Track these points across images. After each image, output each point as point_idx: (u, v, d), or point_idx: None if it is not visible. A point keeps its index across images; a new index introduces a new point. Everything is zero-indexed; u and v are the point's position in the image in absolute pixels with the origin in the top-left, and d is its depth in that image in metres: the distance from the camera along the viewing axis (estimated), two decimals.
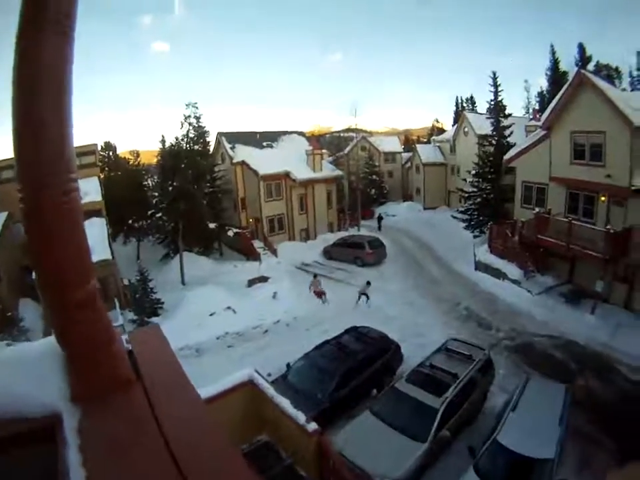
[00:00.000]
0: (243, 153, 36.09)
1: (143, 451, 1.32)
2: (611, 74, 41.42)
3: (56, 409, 1.48)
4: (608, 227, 18.54)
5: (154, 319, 22.49)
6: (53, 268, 1.46)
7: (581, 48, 45.09)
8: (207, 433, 1.45)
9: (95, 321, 1.56)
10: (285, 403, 8.81)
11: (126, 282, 24.46)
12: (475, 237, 31.00)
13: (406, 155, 59.62)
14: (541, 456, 9.36)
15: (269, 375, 13.69)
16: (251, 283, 26.74)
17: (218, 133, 38.48)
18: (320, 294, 22.68)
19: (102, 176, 36.18)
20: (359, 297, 21.76)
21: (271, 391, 9.20)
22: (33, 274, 19.76)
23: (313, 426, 8.34)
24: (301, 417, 8.48)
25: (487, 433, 10.87)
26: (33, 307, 24.10)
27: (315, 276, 23.99)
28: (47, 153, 1.36)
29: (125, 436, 1.38)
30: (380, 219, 41.44)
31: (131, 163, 43.54)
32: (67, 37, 1.36)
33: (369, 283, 22.12)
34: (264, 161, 35.09)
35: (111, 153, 42.23)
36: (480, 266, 25.39)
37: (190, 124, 32.69)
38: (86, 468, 1.23)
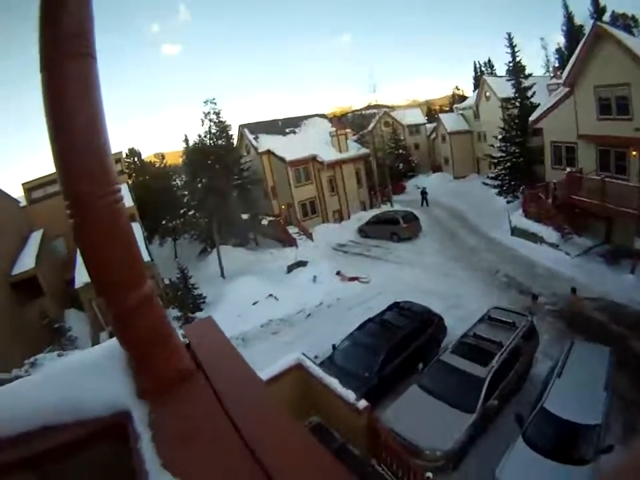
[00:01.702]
0: (267, 142, 36.27)
1: (213, 435, 1.38)
2: (628, 23, 39.89)
3: (124, 407, 1.55)
4: None
5: (197, 314, 22.87)
6: (109, 274, 1.53)
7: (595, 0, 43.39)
8: (273, 413, 1.51)
9: (153, 320, 1.63)
10: (333, 384, 8.94)
11: (167, 281, 24.91)
12: (508, 202, 30.35)
13: (430, 126, 58.57)
14: (587, 422, 9.31)
15: (316, 357, 13.86)
16: (290, 268, 26.92)
17: (240, 126, 38.69)
18: (353, 279, 22.97)
19: (130, 182, 36.88)
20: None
21: (319, 372, 9.34)
22: (75, 284, 20.47)
23: (362, 404, 8.45)
24: (350, 396, 8.60)
25: (534, 400, 10.85)
26: (78, 317, 24.88)
27: (338, 273, 24.24)
28: (90, 169, 1.42)
29: (194, 423, 1.44)
30: (424, 193, 39.81)
31: (157, 165, 44.05)
32: (90, 58, 1.40)
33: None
34: (289, 148, 35.11)
35: (136, 159, 42.80)
36: (516, 231, 24.97)
37: (211, 120, 32.74)
38: (160, 456, 1.29)
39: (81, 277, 21.24)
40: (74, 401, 1.58)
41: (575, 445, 9.26)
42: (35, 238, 28.89)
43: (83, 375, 1.71)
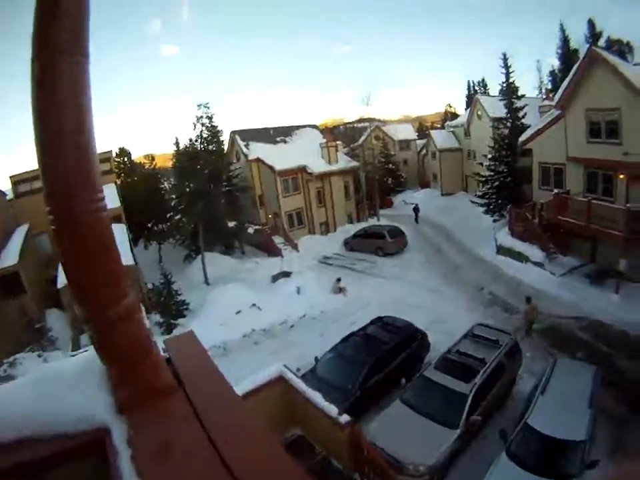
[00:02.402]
0: (257, 149, 36.22)
1: (190, 451, 1.34)
2: (622, 49, 40.53)
3: (103, 422, 1.51)
4: (628, 205, 18.20)
5: (180, 320, 22.74)
6: (89, 285, 1.49)
7: (591, 24, 44.35)
8: (251, 431, 1.48)
9: (133, 335, 1.59)
10: (315, 397, 8.88)
11: (150, 285, 24.70)
12: (494, 220, 30.68)
13: (420, 142, 59.28)
14: (572, 438, 9.37)
15: (298, 369, 13.71)
16: (275, 278, 26.89)
17: (231, 132, 38.61)
18: (340, 289, 22.88)
19: (118, 182, 36.64)
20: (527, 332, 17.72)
21: (301, 385, 9.28)
22: (58, 284, 20.24)
23: (344, 418, 8.39)
24: (332, 410, 8.55)
25: (518, 417, 10.90)
26: (59, 317, 24.62)
27: (339, 279, 23.89)
28: (73, 174, 1.37)
29: (172, 439, 1.41)
30: (416, 209, 39.58)
31: (146, 167, 43.84)
32: (82, 58, 1.36)
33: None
34: (279, 157, 35.13)
35: (125, 159, 42.54)
36: (501, 250, 25.18)
37: (203, 124, 32.81)
38: (138, 474, 1.25)
39: (64, 276, 21.00)
40: (51, 413, 1.53)
41: (560, 461, 9.30)
42: (20, 233, 28.56)
43: (61, 387, 1.65)
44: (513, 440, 9.88)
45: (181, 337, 2.15)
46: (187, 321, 22.38)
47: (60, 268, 21.64)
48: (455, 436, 10.41)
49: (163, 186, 41.82)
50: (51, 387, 1.66)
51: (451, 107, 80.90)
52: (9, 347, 20.25)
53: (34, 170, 30.32)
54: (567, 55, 45.37)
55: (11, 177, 31.45)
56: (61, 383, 1.67)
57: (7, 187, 31.85)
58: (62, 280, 21.11)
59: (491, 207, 31.87)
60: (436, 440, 10.28)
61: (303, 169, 35.39)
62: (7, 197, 31.50)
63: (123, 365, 1.59)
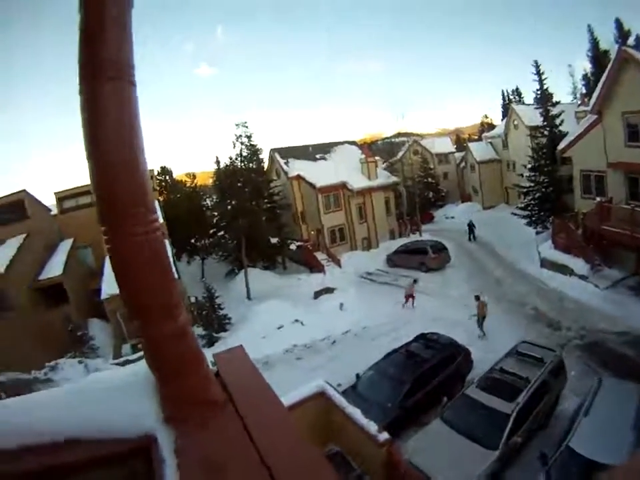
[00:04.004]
0: (297, 167, 36.54)
1: (239, 466, 1.36)
2: None
3: (150, 430, 1.54)
4: None
5: (222, 334, 22.98)
6: (143, 301, 1.54)
7: (619, 23, 43.07)
8: (300, 447, 1.49)
9: (186, 348, 1.64)
10: (355, 413, 8.87)
11: (192, 299, 25.10)
12: (537, 233, 29.99)
13: (459, 155, 58.71)
14: (614, 461, 8.94)
15: (339, 385, 13.65)
16: (317, 294, 26.90)
17: (271, 150, 39.02)
18: (409, 297, 22.44)
19: (161, 199, 37.53)
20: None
21: (341, 401, 9.27)
22: (102, 295, 20.79)
23: (383, 435, 8.35)
24: (372, 427, 8.51)
25: (559, 439, 10.46)
26: (102, 327, 25.34)
27: (415, 281, 23.69)
28: (127, 194, 1.43)
29: (220, 453, 1.43)
30: (471, 225, 36.75)
31: (187, 185, 44.69)
32: (129, 84, 1.42)
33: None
34: (319, 173, 35.35)
35: (167, 177, 43.52)
36: (545, 263, 24.55)
37: (242, 143, 33.23)
38: None
39: (108, 288, 21.58)
40: (100, 417, 1.59)
41: None
42: (64, 246, 29.73)
43: (112, 394, 1.72)
44: (553, 462, 9.49)
45: (231, 352, 2.17)
46: (229, 335, 22.60)
47: (104, 280, 22.40)
48: (494, 457, 10.09)
49: (204, 203, 42.51)
50: (102, 393, 1.74)
51: (487, 117, 79.86)
52: (51, 352, 20.88)
53: (77, 187, 31.54)
54: (598, 57, 44.16)
55: (55, 194, 32.61)
56: (112, 390, 1.75)
57: (51, 202, 33.00)
58: (106, 291, 21.73)
59: (533, 218, 31.25)
60: (474, 461, 9.98)
61: (343, 185, 35.45)
62: (52, 213, 32.68)
63: (174, 377, 1.64)
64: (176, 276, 23.36)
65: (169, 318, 1.57)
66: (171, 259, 24.76)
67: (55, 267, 26.52)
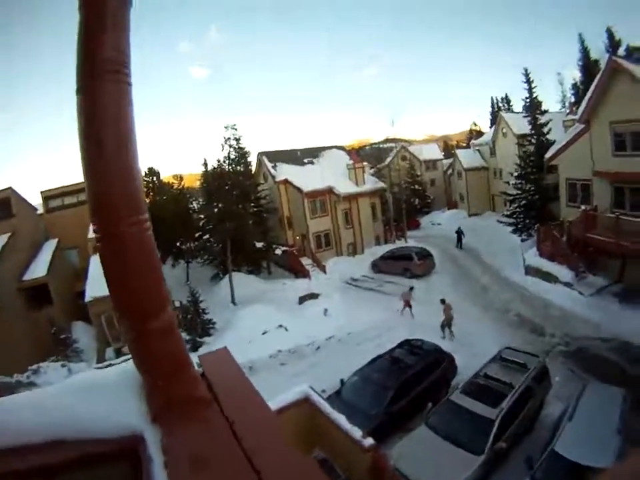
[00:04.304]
0: (285, 171, 36.61)
1: (225, 463, 1.37)
2: None
3: (137, 429, 1.55)
4: None
5: (206, 339, 22.91)
6: (132, 299, 1.55)
7: (609, 33, 43.19)
8: (287, 447, 1.48)
9: (171, 348, 1.65)
10: (340, 419, 8.84)
11: (177, 304, 25.01)
12: (522, 240, 30.36)
13: (446, 162, 59.10)
14: (599, 464, 8.97)
15: (323, 391, 13.64)
16: (302, 300, 26.90)
17: (259, 153, 39.10)
18: (407, 303, 22.18)
19: (147, 200, 37.31)
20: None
21: (326, 407, 9.24)
22: (86, 297, 20.63)
23: (368, 441, 8.32)
24: (356, 433, 8.49)
25: (544, 443, 10.58)
26: (86, 329, 25.14)
27: (412, 288, 23.34)
28: (118, 194, 1.44)
29: (207, 451, 1.43)
30: (459, 233, 36.53)
31: (174, 187, 44.47)
32: (126, 85, 1.44)
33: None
34: (306, 178, 35.39)
35: (154, 178, 43.27)
36: (529, 270, 24.81)
37: (230, 145, 33.25)
38: None
39: (92, 290, 21.43)
40: (87, 418, 1.59)
41: None
42: (49, 247, 29.47)
43: (98, 394, 1.72)
44: (539, 466, 9.58)
45: (216, 353, 2.19)
46: (213, 340, 22.52)
47: (88, 283, 22.21)
48: (479, 462, 10.13)
49: (191, 206, 42.36)
50: (88, 393, 1.72)
51: (475, 125, 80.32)
52: (35, 355, 20.67)
53: (64, 186, 31.39)
54: (588, 66, 44.41)
55: (42, 192, 32.50)
56: (98, 390, 1.74)
57: (37, 201, 32.74)
58: (90, 294, 21.53)
59: (519, 226, 31.54)
60: (459, 466, 10.03)
61: (330, 190, 35.53)
62: (38, 212, 32.40)
63: (160, 375, 1.64)
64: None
65: (155, 316, 1.57)
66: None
67: (39, 268, 26.28)
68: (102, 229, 1.46)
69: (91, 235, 25.43)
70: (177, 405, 1.62)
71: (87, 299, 21.77)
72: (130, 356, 1.69)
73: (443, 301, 19.57)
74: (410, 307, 22.08)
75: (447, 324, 19.13)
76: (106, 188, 1.43)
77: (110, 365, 19.24)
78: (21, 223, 27.95)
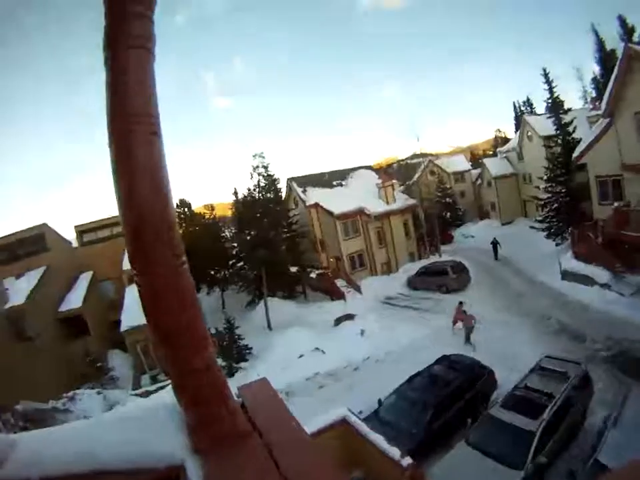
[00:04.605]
0: (314, 194, 36.86)
1: None
2: None
3: (179, 461, 1.60)
4: None
5: (242, 364, 23.02)
6: (173, 337, 1.61)
7: (622, 20, 42.26)
8: (324, 472, 1.56)
9: (213, 381, 1.71)
10: (378, 439, 8.87)
11: (213, 330, 25.26)
12: (557, 244, 29.92)
13: (475, 172, 58.46)
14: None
15: (361, 412, 13.57)
16: (338, 321, 26.81)
17: (288, 179, 39.47)
18: (458, 320, 20.62)
19: (180, 231, 37.83)
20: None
21: (364, 428, 9.29)
22: (122, 327, 20.94)
23: (407, 460, 8.31)
24: (395, 452, 8.50)
25: (588, 454, 10.29)
26: (122, 358, 25.59)
27: (461, 303, 21.50)
28: (155, 232, 1.51)
29: None
30: (495, 244, 35.56)
31: (206, 216, 45.04)
32: (156, 134, 1.52)
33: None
34: (337, 200, 35.52)
35: (186, 209, 43.92)
36: (566, 275, 24.28)
37: (259, 174, 33.75)
38: None
39: (128, 320, 21.86)
40: (129, 449, 1.64)
41: None
42: (84, 279, 30.32)
43: (139, 425, 1.79)
44: (582, 478, 9.41)
45: (255, 384, 2.25)
46: (249, 365, 22.67)
47: (124, 312, 22.65)
48: (519, 478, 9.90)
49: (223, 234, 42.83)
50: (130, 424, 1.82)
51: (500, 131, 79.24)
52: (71, 382, 21.12)
53: (98, 220, 32.27)
54: (605, 57, 43.50)
55: (75, 227, 33.40)
56: (140, 422, 1.82)
57: (71, 236, 33.76)
58: (125, 324, 22.00)
59: (552, 230, 31.04)
60: None
61: (361, 211, 35.53)
62: (73, 245, 33.38)
63: (201, 409, 1.71)
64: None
65: (196, 352, 1.65)
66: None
67: (75, 299, 27.07)
68: (139, 268, 1.54)
69: (126, 266, 26.22)
70: (218, 437, 1.68)
71: (123, 328, 22.21)
72: (166, 382, 1.81)
73: (461, 303, 20.10)
74: (462, 322, 20.36)
75: (467, 334, 19.40)
76: (142, 227, 1.50)
77: (146, 392, 19.54)
78: (56, 256, 28.90)
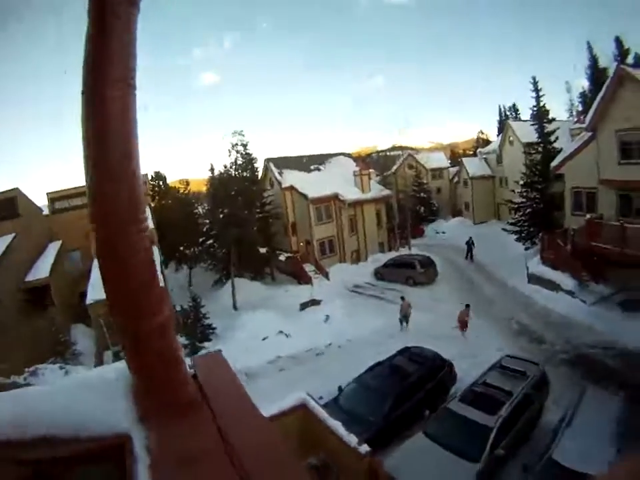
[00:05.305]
0: (291, 177, 36.53)
1: (211, 466, 1.39)
2: None
3: (125, 429, 1.56)
4: None
5: (205, 344, 22.77)
6: (127, 299, 1.58)
7: (618, 42, 43.19)
8: (273, 447, 1.52)
9: (165, 347, 1.67)
10: (336, 426, 8.85)
11: (178, 308, 24.96)
12: (526, 248, 30.35)
13: (453, 170, 59.00)
14: (596, 472, 8.95)
15: (321, 398, 13.52)
16: (303, 306, 26.85)
17: (265, 159, 38.98)
18: (463, 323, 19.74)
19: (152, 205, 37.35)
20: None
21: (322, 413, 9.25)
22: (87, 300, 20.63)
23: (364, 448, 8.34)
24: (352, 440, 8.50)
25: (542, 450, 10.50)
26: (85, 332, 25.06)
27: (468, 306, 20.32)
28: (120, 197, 1.48)
29: (193, 451, 1.45)
30: (470, 244, 34.83)
31: (180, 191, 44.43)
32: (131, 89, 1.48)
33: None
34: (312, 185, 35.35)
35: (161, 183, 43.24)
36: (532, 278, 24.75)
37: (237, 151, 33.43)
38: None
39: (93, 293, 21.38)
40: (77, 416, 1.60)
41: None
42: (53, 248, 29.53)
43: (89, 393, 1.74)
44: (536, 474, 9.55)
45: (209, 356, 2.19)
46: (213, 345, 22.38)
47: (90, 285, 22.23)
48: (476, 470, 10.08)
49: (196, 210, 42.37)
50: (79, 392, 1.76)
51: (482, 133, 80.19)
52: (33, 356, 20.67)
53: (70, 188, 31.44)
54: (596, 74, 44.33)
55: (48, 194, 32.55)
56: (89, 389, 1.77)
57: (43, 202, 32.92)
58: (91, 297, 21.53)
59: (523, 234, 31.53)
60: (457, 474, 10.00)
61: (335, 197, 35.52)
62: (44, 213, 32.56)
63: (151, 375, 1.67)
64: (162, 283, 23.39)
65: (150, 316, 1.60)
66: (159, 265, 24.77)
67: (42, 269, 26.32)
68: (100, 227, 1.51)
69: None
70: (167, 406, 1.65)
71: (88, 301, 21.67)
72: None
73: (402, 298, 22.21)
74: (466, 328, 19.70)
75: (404, 318, 21.31)
76: (107, 189, 1.47)
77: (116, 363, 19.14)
78: (26, 223, 28.04)
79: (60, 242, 30.25)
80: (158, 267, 1.71)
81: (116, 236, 1.51)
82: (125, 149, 1.49)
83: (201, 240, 35.96)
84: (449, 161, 65.65)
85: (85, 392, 1.76)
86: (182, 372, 1.75)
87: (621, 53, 42.22)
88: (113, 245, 1.52)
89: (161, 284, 1.72)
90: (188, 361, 1.98)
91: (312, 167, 39.30)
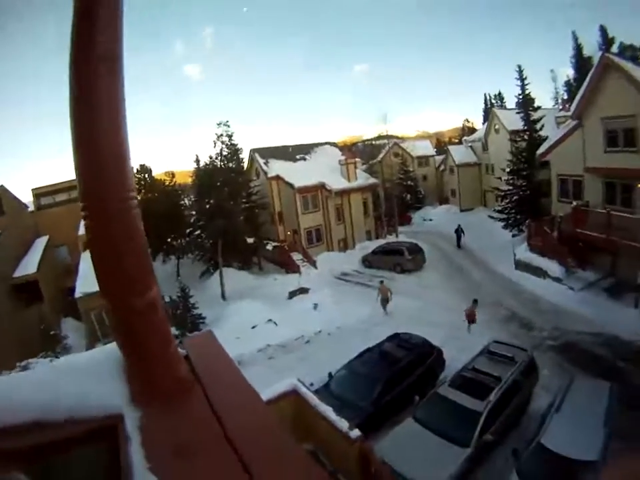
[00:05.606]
0: (277, 167, 36.55)
1: (205, 445, 1.38)
2: (635, 55, 39.21)
3: (117, 410, 1.55)
4: None
5: (195, 334, 22.76)
6: (116, 277, 1.56)
7: (603, 31, 43.78)
8: (270, 430, 1.52)
9: (155, 327, 1.65)
10: (327, 411, 8.90)
11: (167, 299, 24.90)
12: (513, 235, 30.66)
13: (439, 158, 59.17)
14: (585, 458, 9.01)
15: (311, 384, 13.59)
16: (292, 295, 26.93)
17: (251, 150, 38.94)
18: (470, 318, 18.83)
19: (139, 197, 37.05)
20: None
21: (314, 400, 9.29)
22: (75, 294, 20.48)
23: (355, 433, 8.39)
24: (343, 425, 8.55)
25: (531, 436, 10.65)
26: (75, 326, 24.99)
27: (475, 301, 19.23)
28: (108, 172, 1.47)
29: (186, 432, 1.45)
30: (459, 231, 34.64)
31: (166, 183, 44.10)
32: (118, 71, 1.47)
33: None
34: (298, 174, 35.39)
35: (146, 175, 42.89)
36: (520, 265, 25.01)
37: (223, 142, 33.23)
38: (148, 460, 1.29)
39: (82, 287, 21.33)
40: (68, 399, 1.59)
41: None
42: (40, 244, 29.38)
43: (80, 376, 1.73)
44: (525, 459, 9.65)
45: (200, 336, 2.17)
46: None
47: (78, 279, 22.11)
48: (466, 455, 10.19)
49: (182, 202, 42.14)
50: (70, 375, 1.74)
51: (468, 121, 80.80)
52: (24, 351, 20.56)
53: (55, 183, 31.13)
54: (581, 63, 45.06)
55: (33, 190, 32.30)
56: (80, 372, 1.75)
57: (28, 199, 32.63)
58: (80, 290, 21.46)
59: (510, 221, 31.77)
60: (447, 458, 10.07)
61: (322, 186, 35.55)
62: (29, 209, 32.26)
63: (142, 355, 1.66)
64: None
65: (140, 294, 1.59)
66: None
67: (30, 264, 26.18)
68: (89, 206, 1.49)
69: (82, 231, 25.67)
70: (159, 387, 1.64)
71: (77, 294, 21.67)
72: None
73: (381, 282, 23.17)
74: (474, 322, 18.87)
75: (383, 302, 22.06)
76: (95, 167, 1.47)
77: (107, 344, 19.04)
78: (12, 220, 27.83)
79: (47, 237, 30.06)
80: (145, 240, 1.70)
81: (103, 213, 1.50)
82: (112, 123, 1.48)
83: (188, 231, 35.84)
84: (435, 149, 65.86)
85: (74, 374, 1.75)
86: (173, 352, 1.74)
87: (606, 42, 42.58)
88: (103, 221, 1.51)
89: (148, 253, 1.71)
90: (179, 342, 1.95)
91: (298, 157, 39.30)
